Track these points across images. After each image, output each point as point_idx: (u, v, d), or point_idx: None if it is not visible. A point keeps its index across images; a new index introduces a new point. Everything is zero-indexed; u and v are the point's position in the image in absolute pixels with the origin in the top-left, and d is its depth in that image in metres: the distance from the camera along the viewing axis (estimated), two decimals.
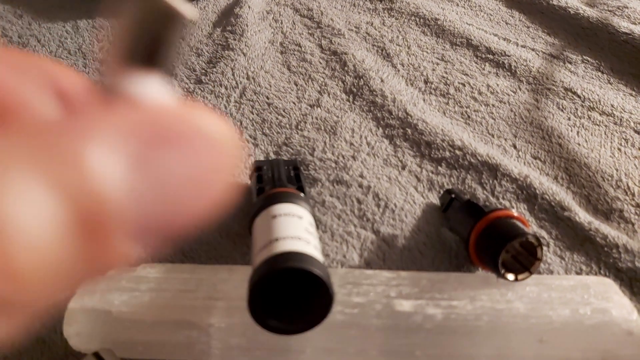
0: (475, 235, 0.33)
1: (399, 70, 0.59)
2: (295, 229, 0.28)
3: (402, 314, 0.29)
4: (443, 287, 0.31)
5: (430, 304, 0.30)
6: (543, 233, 0.40)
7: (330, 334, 0.28)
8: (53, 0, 0.75)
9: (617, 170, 0.45)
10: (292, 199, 0.31)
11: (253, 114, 0.51)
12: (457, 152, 0.46)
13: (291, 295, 0.27)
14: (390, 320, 0.29)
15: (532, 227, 0.40)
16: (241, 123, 0.50)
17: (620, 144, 0.48)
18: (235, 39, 0.63)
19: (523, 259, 0.32)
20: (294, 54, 0.62)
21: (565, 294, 0.31)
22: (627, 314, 0.30)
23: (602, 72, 0.58)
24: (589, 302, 0.31)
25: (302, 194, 0.34)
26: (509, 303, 0.30)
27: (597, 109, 0.52)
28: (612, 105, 0.53)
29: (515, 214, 0.33)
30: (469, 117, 0.51)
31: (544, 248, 0.32)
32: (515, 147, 0.48)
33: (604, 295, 0.32)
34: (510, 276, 0.31)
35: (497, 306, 0.30)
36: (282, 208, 0.30)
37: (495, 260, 0.31)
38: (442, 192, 0.42)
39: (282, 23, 0.69)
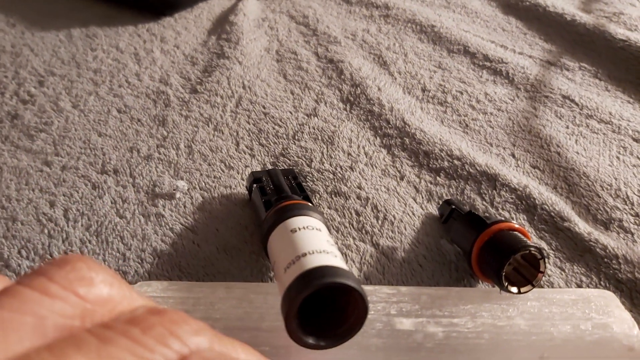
0: (477, 248, 0.33)
1: (395, 79, 0.58)
2: (319, 242, 0.28)
3: (403, 333, 0.29)
4: (443, 304, 0.31)
5: (431, 322, 0.29)
6: (543, 244, 0.39)
7: (330, 353, 0.28)
8: (46, 8, 0.75)
9: (616, 179, 0.45)
10: (306, 211, 0.31)
11: (249, 124, 0.51)
12: (456, 162, 0.46)
13: (318, 309, 0.26)
14: (391, 339, 0.29)
15: (533, 238, 0.40)
16: (237, 133, 0.50)
17: (619, 152, 0.48)
18: (230, 47, 0.63)
19: (525, 271, 0.32)
20: (290, 62, 0.61)
21: (567, 308, 0.31)
22: (628, 330, 0.30)
23: (600, 79, 0.58)
24: (590, 317, 0.31)
25: (311, 204, 0.33)
26: (510, 319, 0.30)
27: (595, 117, 0.52)
28: (610, 113, 0.53)
29: (517, 226, 0.33)
30: (467, 125, 0.51)
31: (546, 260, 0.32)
32: (514, 156, 0.47)
33: (605, 309, 0.31)
34: (514, 289, 0.31)
35: (498, 323, 0.30)
36: (299, 221, 0.30)
37: (499, 273, 0.30)
38: (441, 202, 0.42)
39: (277, 30, 0.69)
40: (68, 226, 0.40)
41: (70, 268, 0.14)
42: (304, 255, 0.27)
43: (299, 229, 0.29)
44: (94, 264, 0.15)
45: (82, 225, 0.40)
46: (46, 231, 0.40)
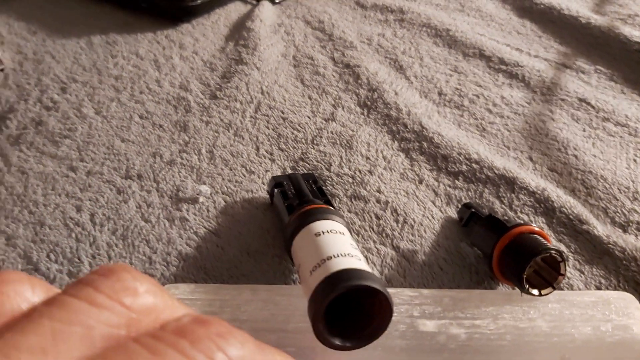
0: (498, 251, 0.33)
1: (412, 83, 0.59)
2: (343, 245, 0.28)
3: (426, 334, 0.29)
4: (465, 306, 0.31)
5: (453, 324, 0.30)
6: (562, 247, 0.40)
7: (354, 353, 0.28)
8: (66, 16, 0.76)
9: (633, 181, 0.45)
10: (329, 215, 0.32)
11: (269, 129, 0.52)
12: (474, 165, 0.46)
13: (343, 311, 0.27)
14: (415, 340, 0.29)
15: (552, 241, 0.40)
16: (257, 138, 0.50)
17: (636, 155, 0.48)
18: (248, 53, 0.64)
19: (546, 273, 0.33)
20: (307, 67, 0.62)
21: (587, 310, 0.32)
22: None
23: (616, 82, 0.58)
24: (610, 318, 0.31)
25: (333, 208, 0.34)
26: (532, 321, 0.30)
27: (611, 120, 0.53)
28: (627, 116, 0.53)
29: (536, 229, 0.34)
30: (484, 129, 0.52)
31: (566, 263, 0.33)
32: (531, 159, 0.48)
33: (624, 311, 0.32)
34: (535, 291, 0.31)
35: (519, 324, 0.30)
36: (322, 225, 0.31)
37: (520, 276, 0.31)
38: (460, 206, 0.43)
39: (294, 36, 0.69)
40: (95, 230, 0.41)
41: (115, 278, 0.15)
42: (329, 258, 0.27)
43: (323, 232, 0.30)
44: (137, 273, 0.15)
45: (108, 229, 0.41)
46: (74, 235, 0.41)
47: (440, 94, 0.57)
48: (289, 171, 0.47)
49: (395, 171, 0.47)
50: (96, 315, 0.13)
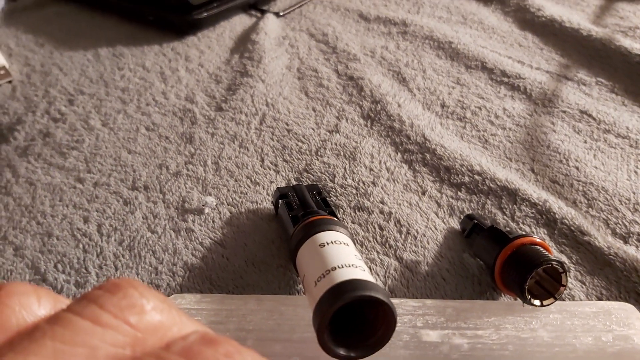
0: (500, 262, 0.34)
1: (415, 95, 0.60)
2: (347, 256, 0.29)
3: (429, 344, 0.30)
4: (468, 316, 0.32)
5: (456, 334, 0.30)
6: (564, 258, 0.40)
7: None
8: (73, 29, 0.77)
9: (634, 193, 0.46)
10: (333, 226, 0.32)
11: (273, 141, 0.52)
12: (476, 177, 0.47)
13: (346, 321, 0.27)
14: (418, 350, 0.30)
15: (553, 252, 0.41)
16: (262, 150, 0.51)
17: (637, 167, 0.49)
18: (253, 66, 0.64)
19: (547, 284, 0.33)
20: (311, 80, 0.63)
21: (588, 321, 0.32)
22: None
23: (617, 94, 0.59)
24: (611, 329, 0.32)
25: (337, 219, 0.35)
26: (533, 332, 0.31)
27: (612, 132, 0.53)
28: (628, 128, 0.53)
29: (538, 240, 0.34)
30: (486, 141, 0.52)
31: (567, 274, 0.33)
32: (533, 170, 0.48)
33: (625, 322, 0.32)
34: (536, 302, 0.32)
35: (521, 335, 0.31)
36: (327, 236, 0.31)
37: (522, 286, 0.31)
38: (462, 217, 0.43)
39: (298, 48, 0.70)
40: (102, 241, 0.41)
41: (122, 295, 0.14)
42: (334, 269, 0.28)
43: (327, 243, 0.31)
44: (144, 289, 0.15)
45: (115, 240, 0.42)
46: (81, 246, 0.41)
47: (442, 105, 0.58)
48: (294, 182, 0.47)
49: (398, 182, 0.47)
50: (100, 335, 0.13)
